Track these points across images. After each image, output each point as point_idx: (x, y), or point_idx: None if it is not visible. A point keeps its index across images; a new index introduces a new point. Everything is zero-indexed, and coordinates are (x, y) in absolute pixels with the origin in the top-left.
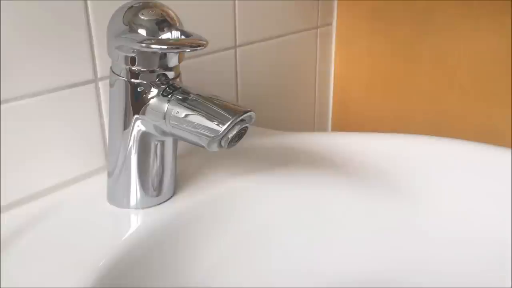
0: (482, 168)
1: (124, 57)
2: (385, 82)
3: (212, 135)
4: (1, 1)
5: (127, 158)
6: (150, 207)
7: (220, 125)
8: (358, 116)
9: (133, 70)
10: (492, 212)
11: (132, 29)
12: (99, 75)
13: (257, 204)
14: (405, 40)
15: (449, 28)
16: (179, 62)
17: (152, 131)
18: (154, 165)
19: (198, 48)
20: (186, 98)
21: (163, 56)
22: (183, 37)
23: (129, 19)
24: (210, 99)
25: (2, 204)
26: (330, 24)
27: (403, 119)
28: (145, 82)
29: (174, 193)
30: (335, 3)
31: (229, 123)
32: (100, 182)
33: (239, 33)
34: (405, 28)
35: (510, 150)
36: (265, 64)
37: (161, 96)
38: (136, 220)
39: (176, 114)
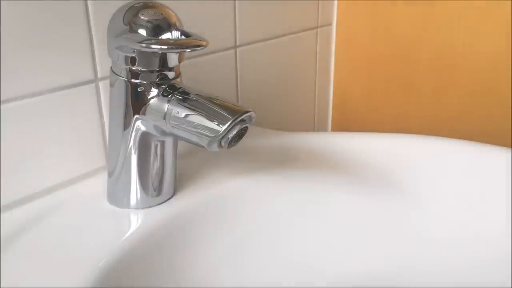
0: (482, 168)
1: (124, 57)
2: (385, 82)
3: (212, 135)
4: (1, 1)
5: (127, 158)
6: (150, 207)
7: (220, 125)
8: (358, 116)
9: (133, 70)
10: (492, 212)
11: (132, 29)
12: (99, 75)
13: (257, 204)
14: (405, 40)
15: (449, 28)
16: (179, 62)
17: (152, 131)
18: (154, 165)
19: (198, 48)
20: (186, 98)
21: (163, 56)
22: (183, 37)
23: (129, 19)
24: (210, 99)
25: (2, 204)
26: (330, 24)
27: (403, 119)
28: (145, 82)
29: (174, 193)
30: (335, 3)
31: (229, 123)
32: (100, 182)
33: (239, 33)
34: (405, 28)
35: (510, 150)
36: (265, 64)
37: (161, 96)
38: (136, 220)
39: (176, 114)
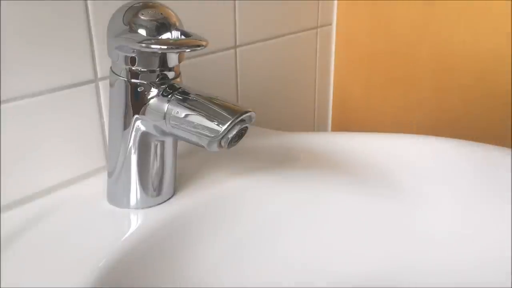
0: (482, 168)
1: (124, 57)
2: (385, 82)
3: (212, 135)
4: (1, 1)
5: (127, 158)
6: (150, 207)
7: (220, 125)
8: (358, 116)
9: (133, 70)
10: (492, 212)
11: (132, 29)
12: (99, 75)
13: (257, 204)
14: (405, 40)
15: (449, 28)
16: (179, 62)
17: (152, 131)
18: (154, 165)
19: (198, 48)
20: (186, 98)
21: (163, 56)
22: (183, 37)
23: (129, 19)
24: (210, 99)
25: (2, 204)
26: (330, 24)
27: (403, 119)
28: (145, 82)
29: (174, 193)
30: (335, 3)
31: (229, 123)
32: (100, 182)
33: (239, 33)
34: (405, 28)
35: (510, 150)
36: (265, 64)
37: (161, 96)
38: (136, 220)
39: (176, 114)
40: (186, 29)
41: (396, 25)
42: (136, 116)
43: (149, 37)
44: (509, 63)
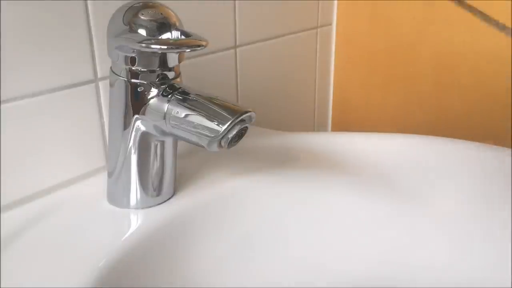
0: (482, 168)
1: (124, 57)
2: (384, 82)
3: (212, 135)
4: (1, 1)
5: (127, 158)
6: (150, 207)
7: (220, 125)
8: (358, 116)
9: (133, 70)
10: (492, 212)
11: (132, 29)
12: (99, 75)
13: (257, 204)
14: (405, 40)
15: (450, 28)
16: (179, 62)
17: (152, 131)
18: (154, 165)
19: (198, 48)
20: (186, 98)
21: (163, 56)
22: (183, 37)
23: (129, 19)
24: (210, 99)
25: (2, 204)
26: (330, 24)
27: (403, 119)
28: (145, 82)
29: (174, 193)
30: (335, 3)
31: (229, 123)
32: (100, 182)
33: (239, 33)
34: (405, 28)
35: (510, 150)
36: (265, 64)
37: (161, 96)
38: (136, 220)
39: (176, 114)
40: (186, 29)
41: (396, 25)
42: (136, 116)
43: (149, 37)
44: (509, 63)
